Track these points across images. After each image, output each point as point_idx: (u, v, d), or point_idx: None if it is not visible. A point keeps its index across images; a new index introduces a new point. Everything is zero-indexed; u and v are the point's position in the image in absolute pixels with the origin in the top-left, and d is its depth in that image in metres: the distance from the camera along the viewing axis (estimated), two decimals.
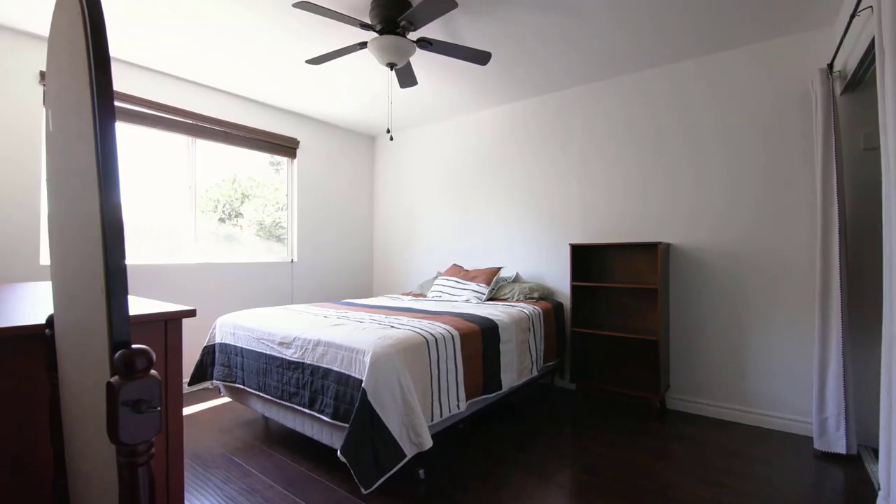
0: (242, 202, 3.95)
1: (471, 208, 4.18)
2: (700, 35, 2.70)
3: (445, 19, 2.49)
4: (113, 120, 0.56)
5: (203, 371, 2.69)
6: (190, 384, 2.73)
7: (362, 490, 1.72)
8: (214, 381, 2.66)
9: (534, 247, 3.75)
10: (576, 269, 3.22)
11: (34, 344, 0.95)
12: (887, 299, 1.44)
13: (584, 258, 3.35)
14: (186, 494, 1.93)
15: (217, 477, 2.09)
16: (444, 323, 2.36)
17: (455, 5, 2.05)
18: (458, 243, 4.26)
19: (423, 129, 4.60)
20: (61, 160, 0.76)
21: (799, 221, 2.64)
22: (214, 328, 2.72)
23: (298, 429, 2.21)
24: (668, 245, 3.02)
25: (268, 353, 2.31)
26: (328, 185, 4.54)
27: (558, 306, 3.43)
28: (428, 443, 1.87)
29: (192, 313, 1.16)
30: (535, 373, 2.94)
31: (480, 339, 2.43)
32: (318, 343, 2.10)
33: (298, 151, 4.25)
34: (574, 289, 3.20)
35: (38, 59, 2.72)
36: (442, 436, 2.16)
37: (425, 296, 3.81)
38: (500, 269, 3.67)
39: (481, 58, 2.55)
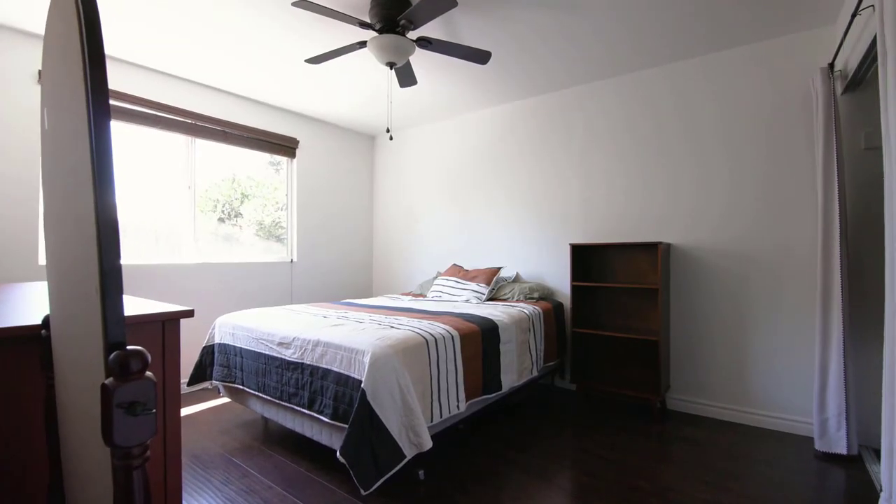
0: (242, 202, 3.94)
1: (471, 208, 4.18)
2: (701, 34, 2.70)
3: (445, 18, 2.48)
4: (108, 118, 0.55)
5: (202, 371, 2.68)
6: (189, 384, 2.72)
7: (362, 491, 1.71)
8: (214, 382, 2.65)
9: (534, 246, 3.74)
10: (576, 269, 3.21)
11: (30, 344, 0.95)
12: (889, 299, 1.43)
13: (585, 258, 3.34)
14: (185, 495, 1.92)
15: (216, 477, 2.08)
16: (443, 323, 2.35)
17: (455, 4, 2.04)
18: (457, 243, 4.25)
19: (422, 128, 4.59)
20: (56, 159, 0.75)
21: (800, 221, 2.64)
22: (214, 328, 2.71)
23: (298, 429, 2.20)
24: (668, 245, 3.02)
25: (267, 353, 2.30)
26: (328, 184, 4.54)
27: (558, 306, 3.43)
28: (427, 443, 1.87)
29: (189, 314, 1.15)
30: (535, 373, 2.93)
31: (480, 339, 2.42)
32: (317, 343, 2.09)
33: (298, 151, 4.24)
34: (574, 289, 3.19)
35: (37, 58, 2.71)
36: (442, 436, 2.15)
37: (425, 296, 3.80)
38: (500, 269, 3.67)
39: (481, 57, 2.55)
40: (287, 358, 2.19)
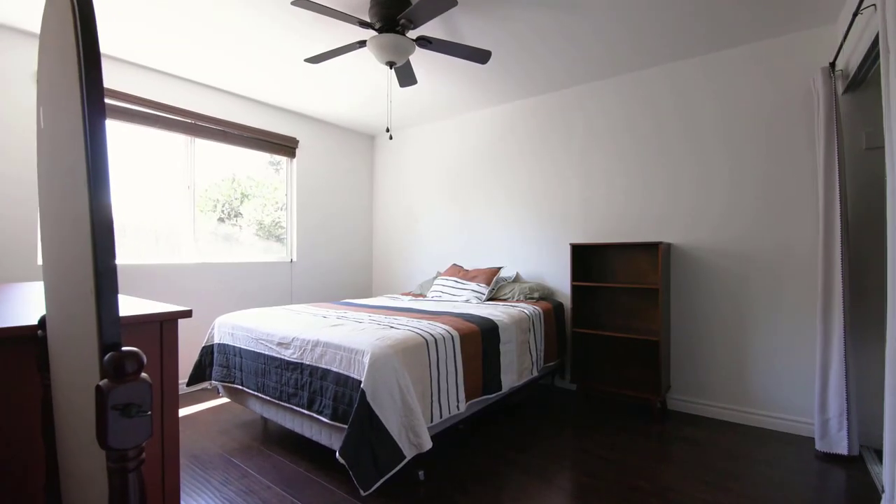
0: (241, 202, 3.94)
1: (471, 208, 4.17)
2: (701, 34, 2.69)
3: (445, 17, 2.47)
4: (103, 117, 0.54)
5: (201, 371, 2.67)
6: (188, 385, 2.71)
7: (361, 492, 1.71)
8: (213, 382, 2.64)
9: (534, 246, 3.74)
10: (576, 269, 3.21)
11: (27, 345, 0.94)
12: (891, 298, 1.42)
13: (585, 258, 3.33)
14: (184, 495, 1.92)
15: (215, 478, 2.08)
16: (443, 323, 2.35)
17: (455, 3, 2.03)
18: (457, 243, 4.25)
19: (422, 128, 4.58)
20: (53, 158, 0.75)
21: (800, 221, 2.63)
22: (213, 328, 2.70)
23: (297, 430, 2.20)
24: (668, 245, 3.01)
25: (266, 353, 2.29)
26: (327, 184, 4.53)
27: (559, 306, 3.42)
28: (427, 444, 1.86)
29: (187, 314, 1.15)
30: (535, 373, 2.92)
31: (480, 339, 2.42)
32: (316, 343, 2.09)
33: (298, 151, 4.23)
34: (574, 289, 3.18)
35: (36, 58, 2.70)
36: (442, 437, 2.15)
37: (425, 296, 3.80)
38: (500, 268, 3.66)
39: (481, 56, 2.54)
40: (286, 358, 2.18)
